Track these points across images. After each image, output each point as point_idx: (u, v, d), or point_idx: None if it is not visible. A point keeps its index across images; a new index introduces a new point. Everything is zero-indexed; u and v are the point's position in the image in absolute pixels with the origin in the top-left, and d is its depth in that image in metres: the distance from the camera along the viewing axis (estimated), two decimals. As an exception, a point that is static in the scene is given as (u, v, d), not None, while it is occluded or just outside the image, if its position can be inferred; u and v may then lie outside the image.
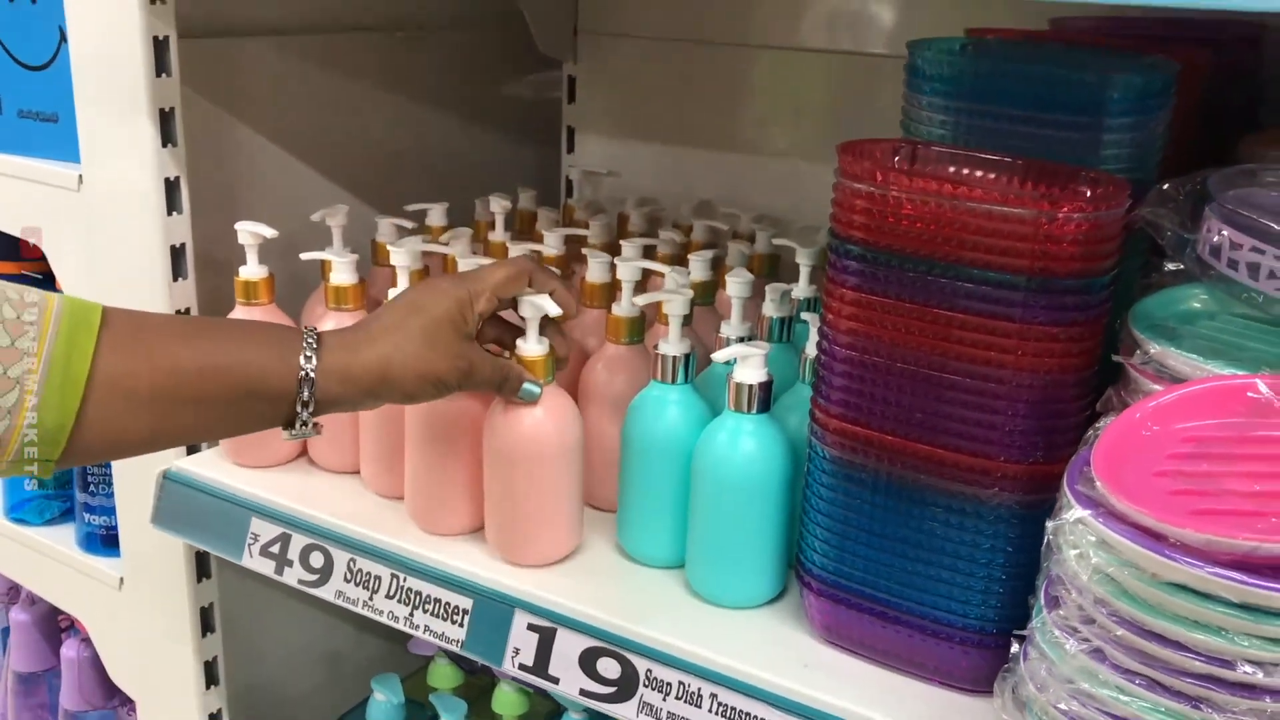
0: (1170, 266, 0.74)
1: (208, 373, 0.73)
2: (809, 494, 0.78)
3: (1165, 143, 0.78)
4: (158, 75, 1.00)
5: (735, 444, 0.81)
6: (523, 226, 1.29)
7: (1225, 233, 0.69)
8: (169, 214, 1.03)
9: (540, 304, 0.84)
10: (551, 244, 1.11)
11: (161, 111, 1.01)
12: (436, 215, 1.20)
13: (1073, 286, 0.66)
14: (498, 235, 1.18)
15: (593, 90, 1.42)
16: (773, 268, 1.17)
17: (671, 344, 0.86)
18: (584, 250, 1.09)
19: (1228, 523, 0.54)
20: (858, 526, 0.75)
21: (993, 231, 0.66)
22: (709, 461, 0.82)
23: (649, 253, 1.11)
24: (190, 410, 0.74)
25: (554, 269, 0.94)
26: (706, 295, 1.05)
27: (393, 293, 0.95)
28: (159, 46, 0.99)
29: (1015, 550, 0.71)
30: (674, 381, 0.86)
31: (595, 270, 1.03)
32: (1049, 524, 0.61)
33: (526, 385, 0.85)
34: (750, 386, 0.80)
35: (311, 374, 0.75)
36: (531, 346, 0.86)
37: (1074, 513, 0.58)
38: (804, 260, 1.01)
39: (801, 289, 1.00)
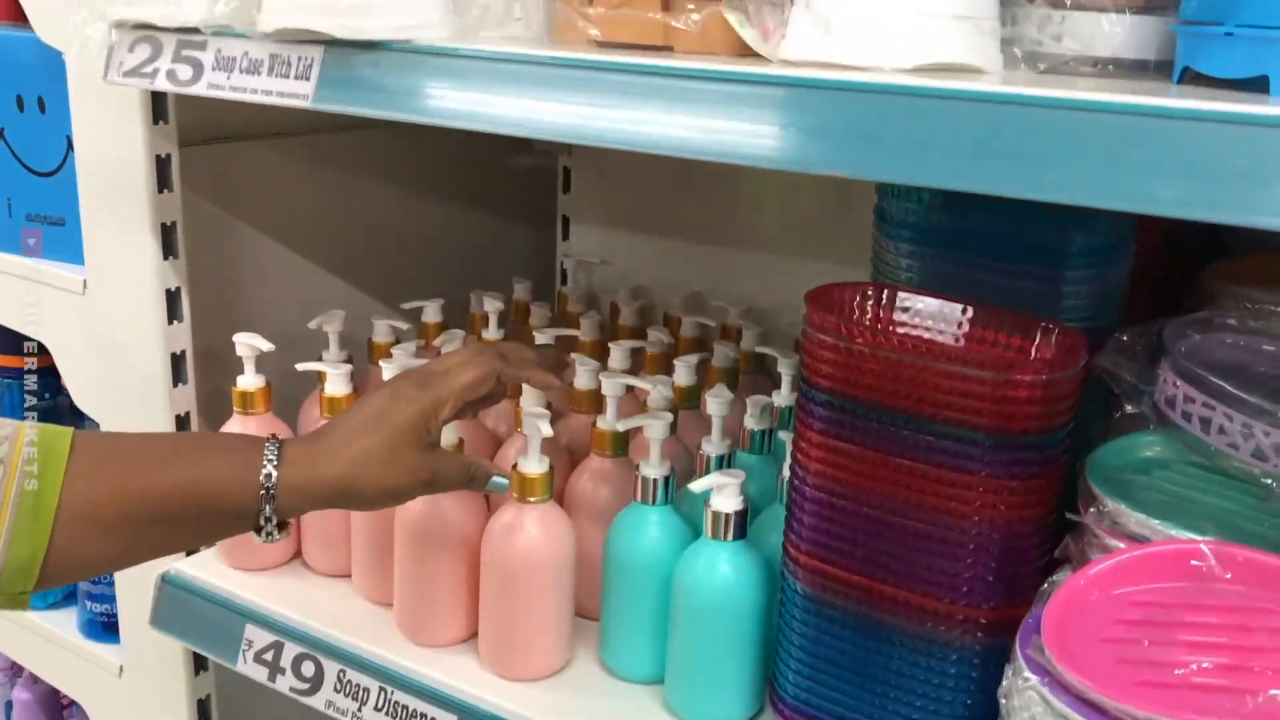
0: (1129, 409, 0.77)
1: (173, 494, 0.75)
2: (782, 623, 0.80)
3: (1127, 285, 0.80)
4: (160, 191, 1.03)
5: (712, 571, 0.83)
6: (518, 317, 1.32)
7: (1179, 386, 0.72)
8: (170, 323, 1.07)
9: (540, 426, 0.87)
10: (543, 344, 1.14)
11: (163, 226, 1.04)
12: (432, 312, 1.23)
13: (1031, 443, 0.69)
14: (491, 333, 1.21)
15: (586, 181, 1.45)
16: (759, 365, 1.19)
17: (652, 466, 0.89)
18: (572, 355, 1.12)
19: (1167, 699, 0.56)
20: (828, 660, 0.78)
21: (953, 390, 0.69)
22: (687, 588, 0.85)
23: (637, 355, 1.14)
24: (159, 530, 0.76)
25: (522, 347, 0.92)
26: (691, 400, 1.08)
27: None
28: (161, 164, 1.03)
29: (978, 689, 0.73)
30: (654, 503, 0.89)
31: (583, 377, 1.06)
32: (1002, 684, 0.63)
33: (495, 479, 0.86)
34: (727, 515, 0.83)
35: (272, 490, 0.76)
36: (532, 465, 0.89)
37: (1024, 678, 0.61)
38: (785, 370, 1.04)
39: (783, 397, 1.03)
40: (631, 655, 0.91)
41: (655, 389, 0.99)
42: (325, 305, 1.17)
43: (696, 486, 0.83)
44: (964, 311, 0.75)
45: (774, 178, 1.34)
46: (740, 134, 0.65)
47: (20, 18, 1.13)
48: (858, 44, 0.67)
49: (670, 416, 0.91)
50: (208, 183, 1.12)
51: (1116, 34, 0.73)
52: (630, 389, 1.00)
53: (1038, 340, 0.72)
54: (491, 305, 1.21)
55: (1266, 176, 0.52)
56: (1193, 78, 0.69)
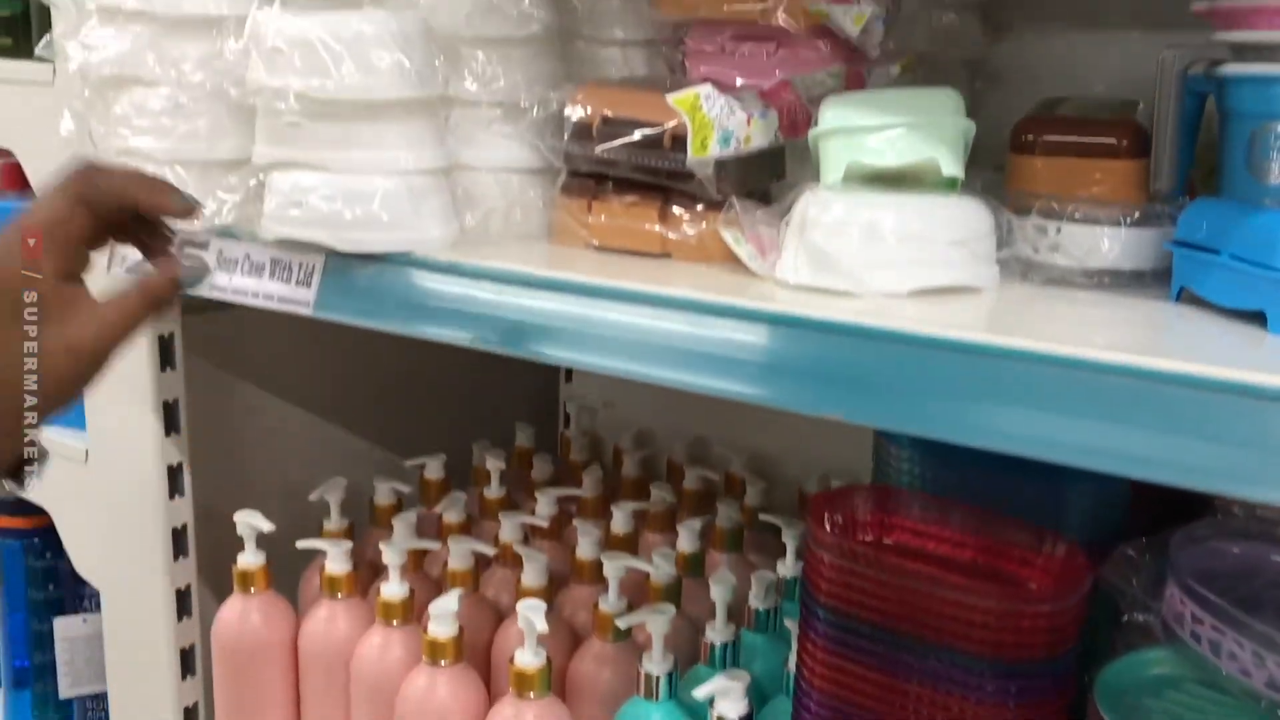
0: (1139, 617, 0.76)
1: None
2: (790, 835, 0.79)
3: (1131, 487, 0.80)
4: (162, 370, 1.04)
5: (718, 777, 0.82)
6: (520, 465, 1.32)
7: (1186, 604, 0.71)
8: (171, 498, 1.06)
9: (535, 620, 0.86)
10: (544, 509, 1.13)
11: (166, 403, 1.04)
12: (434, 469, 1.23)
13: (1037, 669, 0.68)
14: (493, 492, 1.21)
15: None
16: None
17: (654, 662, 0.88)
18: (575, 522, 1.12)
19: None
20: None
21: (957, 617, 0.68)
22: (692, 792, 0.83)
23: (640, 517, 1.14)
24: None
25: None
26: (695, 568, 1.07)
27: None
28: (164, 343, 1.03)
29: None
30: (657, 699, 0.88)
31: (585, 548, 1.05)
32: None
33: (187, 267, 0.74)
34: (731, 720, 0.82)
35: None
36: (528, 658, 0.88)
37: None
38: (790, 540, 1.03)
39: (789, 567, 1.02)
40: None
41: (658, 569, 0.98)
42: (330, 460, 1.17)
43: (700, 693, 0.82)
44: (968, 525, 0.75)
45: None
46: (734, 369, 0.65)
47: (25, 186, 1.14)
48: (852, 270, 0.68)
49: (672, 609, 0.90)
50: (209, 345, 1.12)
51: (1114, 248, 0.73)
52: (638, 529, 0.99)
53: (1042, 563, 0.72)
54: (493, 464, 1.21)
55: (1268, 450, 0.52)
56: (1190, 297, 0.70)
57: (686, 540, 1.07)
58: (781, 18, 0.79)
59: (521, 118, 0.85)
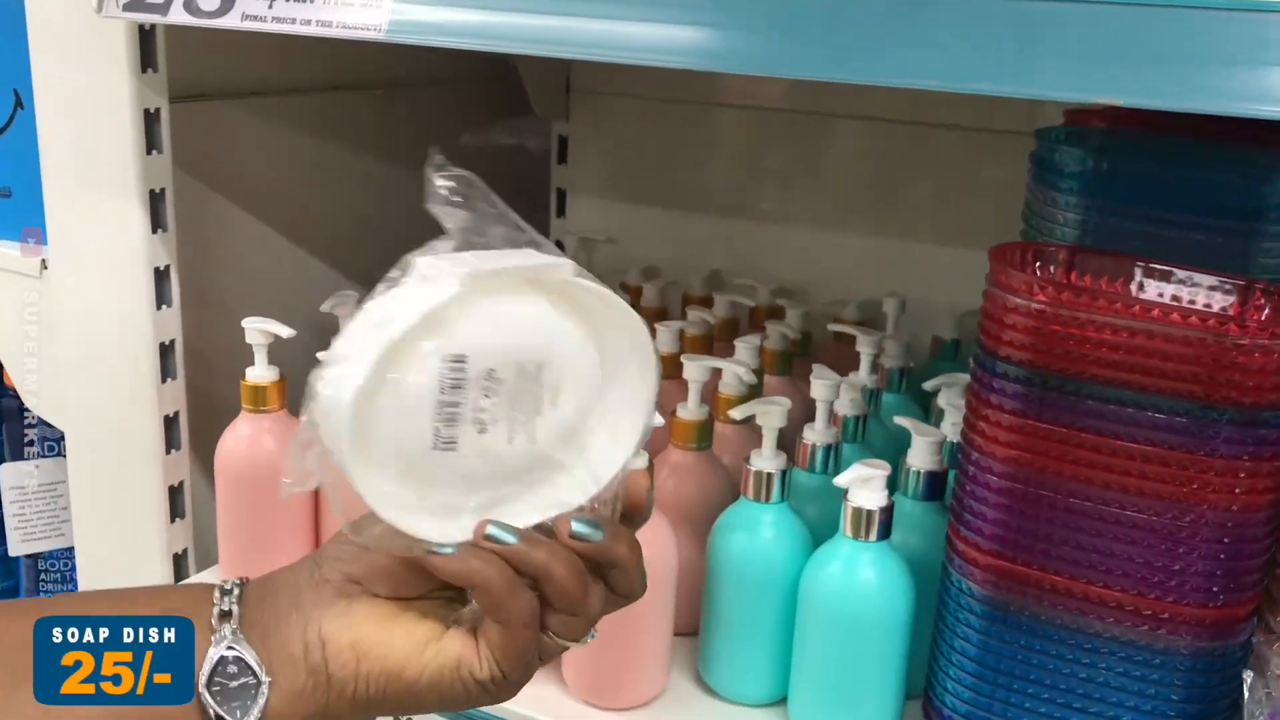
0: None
1: None
2: (946, 631, 0.71)
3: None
4: (148, 152, 0.88)
5: (854, 575, 0.73)
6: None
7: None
8: (158, 307, 0.91)
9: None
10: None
11: (152, 193, 0.88)
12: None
13: (1261, 418, 0.61)
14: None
15: (586, 151, 1.33)
16: (805, 346, 1.10)
17: (766, 459, 0.78)
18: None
19: None
20: (1007, 671, 0.68)
21: (1171, 355, 0.60)
22: (823, 593, 0.74)
23: (679, 339, 1.04)
24: None
25: None
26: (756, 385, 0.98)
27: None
28: (150, 120, 0.87)
29: (1185, 700, 0.65)
30: (768, 500, 0.79)
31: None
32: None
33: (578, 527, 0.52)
34: (870, 512, 0.73)
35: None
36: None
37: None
38: (865, 349, 0.95)
39: (862, 377, 0.94)
40: (744, 674, 0.80)
41: (743, 371, 0.88)
42: (304, 287, 1.03)
43: (842, 480, 0.73)
44: (1169, 273, 0.67)
45: (798, 146, 1.25)
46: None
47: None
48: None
49: (787, 402, 0.80)
50: (182, 145, 0.95)
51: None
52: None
53: (1262, 303, 0.64)
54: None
55: None
56: None
57: (745, 356, 0.97)
58: None
59: None
